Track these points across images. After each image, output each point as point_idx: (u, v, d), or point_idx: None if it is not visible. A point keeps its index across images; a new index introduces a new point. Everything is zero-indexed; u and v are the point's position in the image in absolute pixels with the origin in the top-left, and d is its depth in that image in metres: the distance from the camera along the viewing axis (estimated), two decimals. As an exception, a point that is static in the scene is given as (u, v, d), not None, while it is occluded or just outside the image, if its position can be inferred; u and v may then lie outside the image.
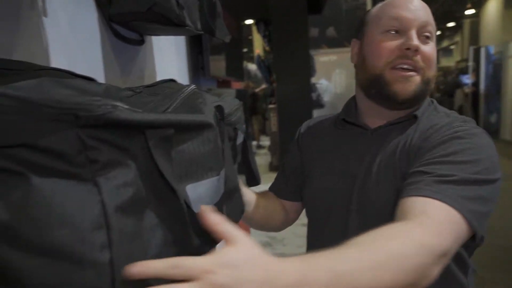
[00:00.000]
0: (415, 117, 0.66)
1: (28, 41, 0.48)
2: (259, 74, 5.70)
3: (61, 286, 0.28)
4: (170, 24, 0.68)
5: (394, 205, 0.55)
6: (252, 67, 6.27)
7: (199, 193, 0.39)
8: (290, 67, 3.96)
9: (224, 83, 1.89)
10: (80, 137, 0.29)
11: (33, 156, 0.28)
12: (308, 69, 4.17)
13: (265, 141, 5.86)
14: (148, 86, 0.61)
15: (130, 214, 0.32)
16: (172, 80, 0.65)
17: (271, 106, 4.94)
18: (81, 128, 0.29)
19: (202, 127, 0.40)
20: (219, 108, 0.47)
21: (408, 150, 0.63)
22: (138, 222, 0.33)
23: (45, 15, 0.52)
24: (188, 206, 0.37)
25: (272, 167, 4.64)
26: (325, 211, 0.71)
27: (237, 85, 2.30)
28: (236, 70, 2.04)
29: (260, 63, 5.16)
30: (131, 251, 0.32)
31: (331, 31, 5.90)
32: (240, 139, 0.79)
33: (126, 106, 0.31)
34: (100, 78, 0.66)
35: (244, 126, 0.84)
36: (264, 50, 5.52)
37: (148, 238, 0.34)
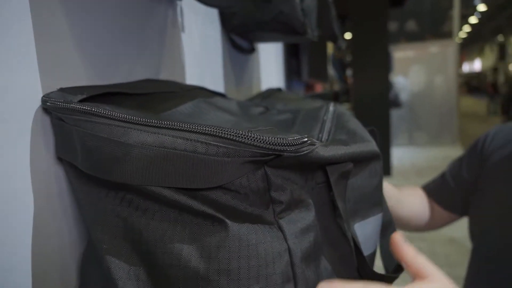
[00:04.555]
0: None
1: (170, 57, 0.47)
2: (331, 73, 5.54)
3: None
4: (291, 32, 0.65)
5: None
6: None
7: (366, 232, 0.35)
8: (368, 64, 3.78)
9: (309, 86, 1.84)
10: (268, 176, 0.26)
11: (226, 199, 0.25)
12: (387, 66, 3.94)
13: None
14: (263, 98, 0.58)
15: (311, 262, 0.29)
16: (279, 89, 0.62)
17: (344, 105, 4.78)
18: (270, 167, 0.26)
19: (371, 158, 0.35)
20: (372, 133, 0.42)
21: None
22: (316, 270, 0.29)
23: (183, 31, 0.51)
24: (358, 248, 0.33)
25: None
26: (500, 250, 0.54)
27: (319, 87, 2.23)
28: (320, 72, 1.97)
29: (335, 61, 5.01)
30: None
31: (411, 25, 5.51)
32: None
33: (319, 143, 0.27)
34: (220, 88, 0.65)
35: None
36: (338, 49, 5.34)
37: None
